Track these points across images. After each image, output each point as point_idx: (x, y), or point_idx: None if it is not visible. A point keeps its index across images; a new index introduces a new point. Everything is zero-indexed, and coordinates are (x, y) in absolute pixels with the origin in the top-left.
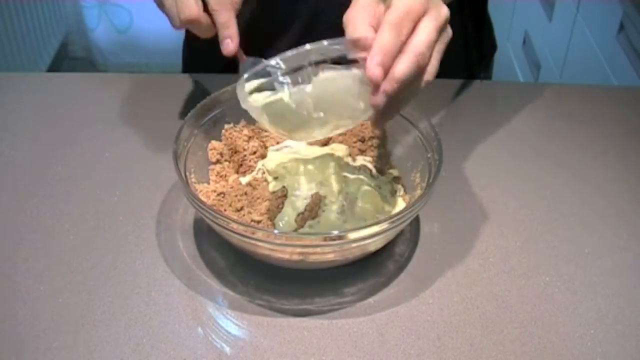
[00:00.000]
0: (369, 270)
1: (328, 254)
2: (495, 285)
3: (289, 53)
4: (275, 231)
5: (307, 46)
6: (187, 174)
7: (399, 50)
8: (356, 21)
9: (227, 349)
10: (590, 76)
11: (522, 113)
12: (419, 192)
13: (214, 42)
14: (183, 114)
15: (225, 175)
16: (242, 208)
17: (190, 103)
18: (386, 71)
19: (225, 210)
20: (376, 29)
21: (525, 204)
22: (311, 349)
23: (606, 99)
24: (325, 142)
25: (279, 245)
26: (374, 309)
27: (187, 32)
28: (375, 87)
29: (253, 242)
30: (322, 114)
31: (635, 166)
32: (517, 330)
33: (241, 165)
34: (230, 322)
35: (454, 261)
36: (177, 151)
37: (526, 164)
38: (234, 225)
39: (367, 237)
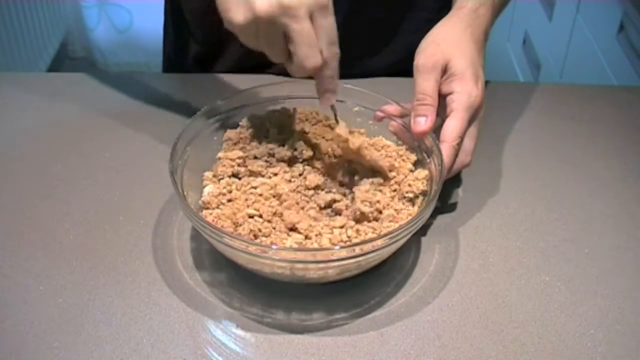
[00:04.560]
0: (368, 271)
1: (329, 270)
2: (495, 285)
3: None
4: (274, 246)
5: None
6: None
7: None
8: (429, 80)
9: (227, 349)
10: (590, 76)
11: (522, 113)
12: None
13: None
14: (183, 114)
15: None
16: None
17: (190, 103)
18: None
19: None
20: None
21: (525, 204)
22: (311, 349)
23: (606, 99)
24: None
25: (276, 262)
26: (373, 308)
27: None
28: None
29: (247, 257)
30: None
31: (635, 166)
32: (517, 330)
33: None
34: (230, 321)
35: (454, 261)
36: (173, 170)
37: (526, 164)
38: (228, 241)
39: (369, 252)
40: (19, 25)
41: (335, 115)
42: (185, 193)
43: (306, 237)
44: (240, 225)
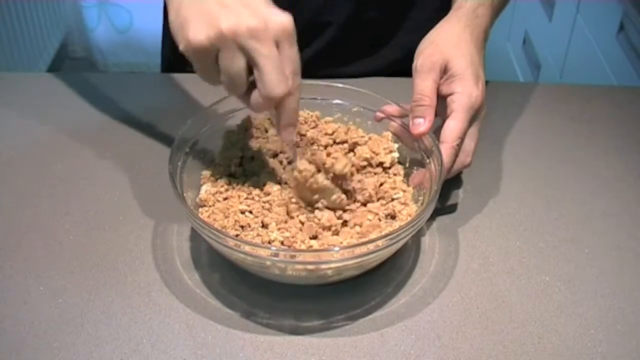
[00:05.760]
0: (368, 271)
1: (329, 270)
2: (495, 286)
3: None
4: (273, 248)
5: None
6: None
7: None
8: (427, 80)
9: (227, 349)
10: (590, 76)
11: (522, 113)
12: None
13: None
14: (183, 114)
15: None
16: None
17: (190, 103)
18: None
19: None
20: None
21: (525, 204)
22: (311, 349)
23: (606, 99)
24: None
25: (275, 263)
26: (374, 308)
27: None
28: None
29: (245, 257)
30: None
31: (635, 166)
32: (517, 330)
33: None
34: (230, 322)
35: (454, 261)
36: (173, 172)
37: (526, 164)
38: (231, 243)
39: (369, 252)
40: (19, 25)
41: (295, 154)
42: (184, 193)
43: (292, 237)
44: (227, 217)
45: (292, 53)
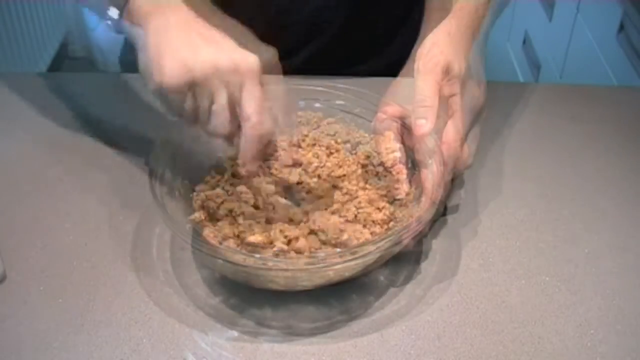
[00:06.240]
0: (369, 272)
1: (330, 272)
2: (495, 285)
3: None
4: (270, 255)
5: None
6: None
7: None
8: (429, 81)
9: (228, 350)
10: (590, 76)
11: (522, 113)
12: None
13: None
14: None
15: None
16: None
17: None
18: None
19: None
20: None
21: (525, 204)
22: (311, 349)
23: (606, 99)
24: None
25: (267, 272)
26: (374, 309)
27: None
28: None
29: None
30: None
31: (635, 166)
32: (517, 330)
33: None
34: (230, 322)
35: (454, 261)
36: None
37: (526, 163)
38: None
39: (370, 254)
40: (19, 25)
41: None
42: (185, 195)
43: (289, 242)
44: (220, 220)
45: (255, 91)
